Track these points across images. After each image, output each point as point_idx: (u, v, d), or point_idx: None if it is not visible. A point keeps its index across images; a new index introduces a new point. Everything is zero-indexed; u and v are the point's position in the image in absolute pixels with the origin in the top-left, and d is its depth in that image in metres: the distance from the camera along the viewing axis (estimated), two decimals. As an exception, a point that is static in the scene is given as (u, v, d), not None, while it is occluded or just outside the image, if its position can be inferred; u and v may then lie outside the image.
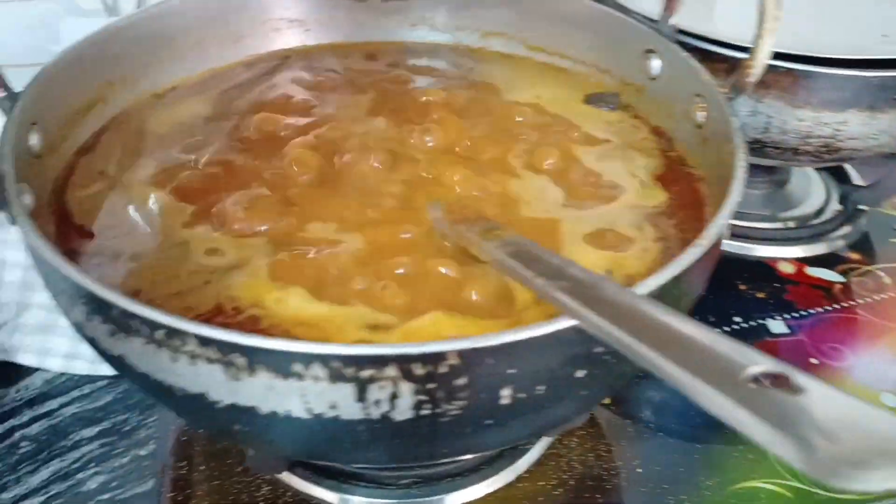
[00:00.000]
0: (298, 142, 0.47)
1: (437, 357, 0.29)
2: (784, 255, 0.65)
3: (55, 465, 0.58)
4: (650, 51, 0.50)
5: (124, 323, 0.31)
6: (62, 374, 0.63)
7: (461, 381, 0.30)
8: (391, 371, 0.29)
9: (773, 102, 0.54)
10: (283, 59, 0.56)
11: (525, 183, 0.46)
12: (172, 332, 0.30)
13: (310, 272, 0.38)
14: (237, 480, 0.47)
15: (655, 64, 0.50)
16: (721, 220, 0.35)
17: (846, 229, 0.67)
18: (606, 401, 0.52)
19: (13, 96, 0.40)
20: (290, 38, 0.57)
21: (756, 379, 0.23)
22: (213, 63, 0.54)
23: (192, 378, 0.31)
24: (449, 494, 0.46)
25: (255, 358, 0.29)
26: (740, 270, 0.63)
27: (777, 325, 0.58)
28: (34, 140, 0.41)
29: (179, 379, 0.32)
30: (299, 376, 0.29)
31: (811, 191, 0.71)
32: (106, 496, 0.56)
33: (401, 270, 0.38)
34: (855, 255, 0.65)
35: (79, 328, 0.35)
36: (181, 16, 0.53)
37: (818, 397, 0.22)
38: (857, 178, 0.72)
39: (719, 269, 0.63)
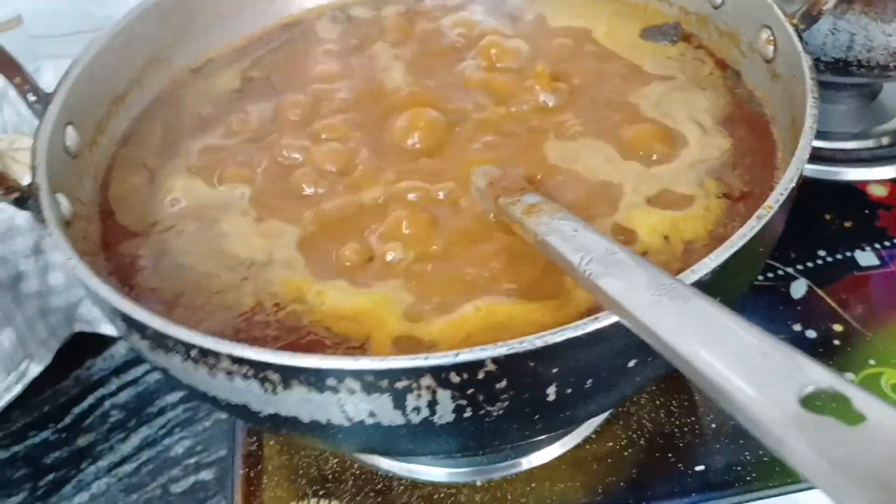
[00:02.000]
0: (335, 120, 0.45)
1: (474, 365, 0.28)
2: (877, 176, 0.59)
3: (144, 432, 0.61)
4: (711, -27, 0.45)
5: (160, 341, 0.31)
6: (143, 342, 0.66)
7: (501, 384, 0.28)
8: (427, 381, 0.28)
9: (857, 18, 0.48)
10: (319, 16, 0.54)
11: (577, 141, 0.43)
12: (205, 352, 0.29)
13: (347, 257, 0.37)
14: (305, 455, 0.47)
15: (718, -12, 0.45)
16: (782, 190, 0.31)
17: (948, 143, 0.60)
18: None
19: (45, 98, 0.40)
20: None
21: (811, 399, 0.21)
22: (248, 28, 0.52)
23: (231, 392, 0.31)
24: (518, 459, 0.45)
25: (288, 374, 0.29)
26: (826, 197, 0.58)
27: (866, 257, 0.54)
28: (70, 140, 0.41)
29: (220, 392, 0.31)
30: (334, 390, 0.29)
31: (907, 100, 0.65)
32: (192, 460, 0.59)
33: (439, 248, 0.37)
34: (960, 174, 0.59)
35: (125, 340, 0.35)
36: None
37: (879, 427, 0.19)
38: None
39: (802, 199, 0.58)
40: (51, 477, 0.59)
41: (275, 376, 0.29)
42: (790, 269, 0.53)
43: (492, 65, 0.48)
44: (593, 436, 0.46)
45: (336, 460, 0.47)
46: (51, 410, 0.63)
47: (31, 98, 0.39)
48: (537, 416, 0.31)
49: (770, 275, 0.53)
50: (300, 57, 0.51)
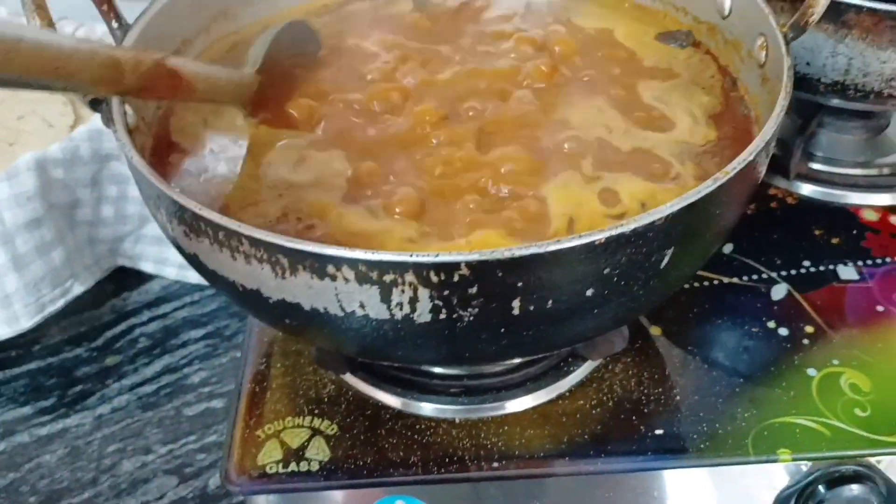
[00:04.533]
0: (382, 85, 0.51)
1: (450, 266, 0.33)
2: (871, 202, 0.63)
3: (166, 360, 0.67)
4: (722, -12, 0.50)
5: (195, 225, 0.36)
6: (176, 281, 0.72)
7: (473, 290, 0.33)
8: (410, 277, 0.33)
9: (855, 43, 0.52)
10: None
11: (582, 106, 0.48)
12: (229, 234, 0.35)
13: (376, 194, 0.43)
14: (307, 378, 0.52)
15: (727, 1, 0.50)
16: (742, 159, 0.36)
17: (945, 178, 0.64)
18: (657, 331, 0.54)
19: (125, 27, 0.46)
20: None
21: None
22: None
23: (248, 275, 0.36)
24: (496, 403, 0.50)
25: (295, 259, 0.34)
26: (820, 216, 0.62)
27: (847, 272, 0.57)
28: (141, 67, 0.47)
29: (239, 276, 0.37)
30: (332, 277, 0.34)
31: (913, 136, 0.68)
32: (206, 389, 0.65)
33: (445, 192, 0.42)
34: (950, 206, 0.62)
35: (164, 230, 0.40)
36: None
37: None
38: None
39: (795, 214, 0.63)
40: (78, 388, 0.65)
41: (284, 260, 0.34)
42: (773, 274, 0.57)
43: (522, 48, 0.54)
44: (567, 394, 0.51)
45: (333, 386, 0.52)
46: (86, 331, 0.69)
47: (114, 25, 0.46)
48: (503, 330, 0.36)
49: (754, 276, 0.57)
50: (352, 28, 0.57)
